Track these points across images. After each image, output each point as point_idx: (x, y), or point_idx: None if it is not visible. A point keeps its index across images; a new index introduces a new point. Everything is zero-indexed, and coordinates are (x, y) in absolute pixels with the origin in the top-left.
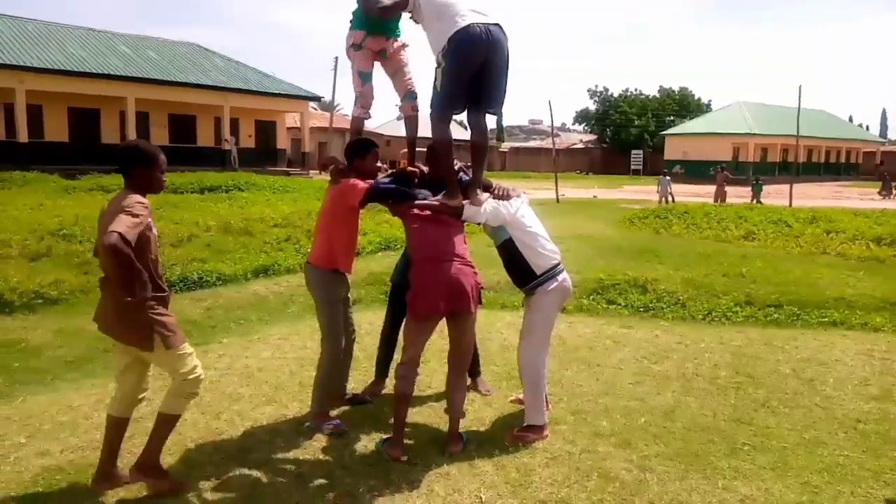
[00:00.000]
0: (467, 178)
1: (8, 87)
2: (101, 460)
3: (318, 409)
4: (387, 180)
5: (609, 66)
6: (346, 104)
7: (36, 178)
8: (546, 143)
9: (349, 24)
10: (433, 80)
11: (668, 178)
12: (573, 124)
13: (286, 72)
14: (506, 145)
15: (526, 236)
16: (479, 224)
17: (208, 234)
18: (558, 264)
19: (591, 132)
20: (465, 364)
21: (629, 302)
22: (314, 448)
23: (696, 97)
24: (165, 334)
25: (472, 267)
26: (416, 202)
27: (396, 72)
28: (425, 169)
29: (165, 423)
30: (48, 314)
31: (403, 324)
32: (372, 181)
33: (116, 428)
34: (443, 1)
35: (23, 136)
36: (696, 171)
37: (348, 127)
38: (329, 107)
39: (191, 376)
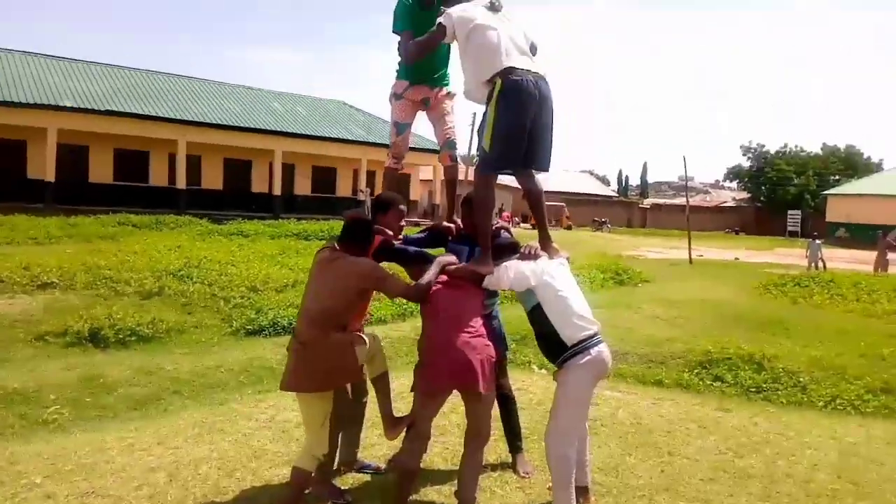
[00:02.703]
0: (506, 237)
1: (172, 138)
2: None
3: (320, 476)
4: (419, 236)
5: (766, 122)
6: None
7: (187, 221)
8: (695, 201)
9: (395, 74)
10: (478, 134)
11: (818, 242)
12: (725, 181)
13: (424, 126)
14: (648, 201)
15: (556, 303)
16: (503, 291)
17: None
18: (594, 335)
19: (744, 190)
20: (478, 444)
21: (739, 380)
22: None
23: (865, 156)
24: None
25: (484, 339)
26: (438, 267)
27: (438, 120)
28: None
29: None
30: (137, 351)
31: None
32: (388, 237)
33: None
34: (486, 42)
35: (181, 183)
36: (863, 236)
37: None
38: (466, 160)
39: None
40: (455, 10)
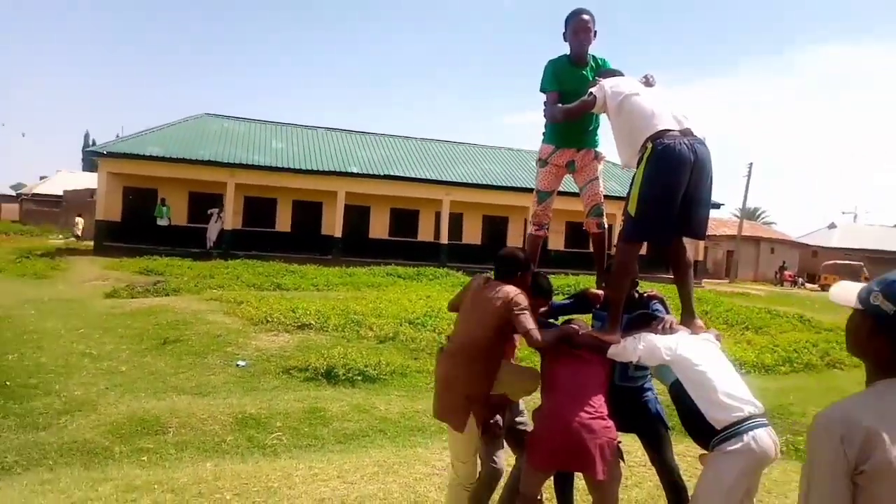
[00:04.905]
0: (660, 310)
1: (437, 198)
2: None
3: None
4: (564, 302)
5: None
6: (771, 211)
7: (445, 273)
8: None
9: (542, 137)
10: (625, 200)
11: None
12: None
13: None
14: None
15: (696, 377)
16: (634, 364)
17: None
18: (747, 418)
19: None
20: None
21: None
22: None
23: None
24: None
25: (605, 420)
26: (561, 332)
27: (584, 184)
28: None
29: None
30: (360, 390)
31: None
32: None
33: None
34: (637, 109)
35: (444, 238)
36: None
37: (763, 235)
38: (750, 214)
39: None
40: (608, 82)
